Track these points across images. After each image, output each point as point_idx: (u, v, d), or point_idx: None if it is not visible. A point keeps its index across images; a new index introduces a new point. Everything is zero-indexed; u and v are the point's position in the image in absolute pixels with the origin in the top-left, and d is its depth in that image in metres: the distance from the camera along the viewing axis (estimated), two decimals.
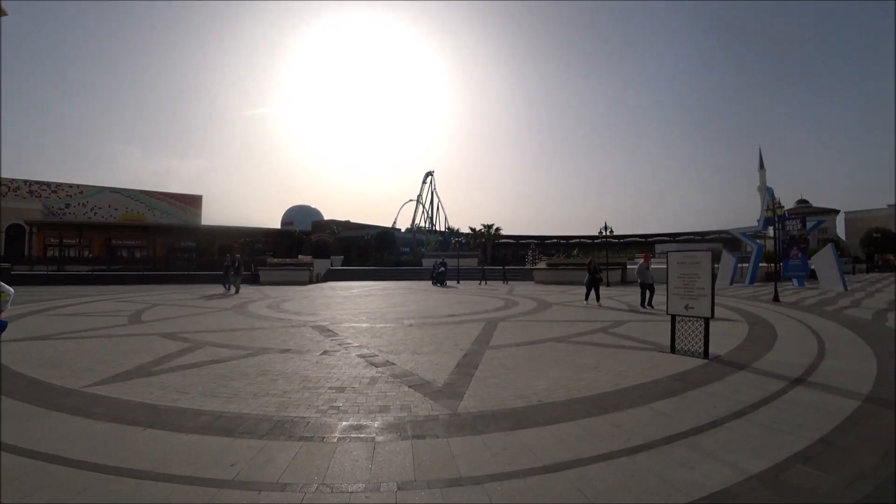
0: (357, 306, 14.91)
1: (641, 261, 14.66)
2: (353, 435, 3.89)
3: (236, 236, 56.30)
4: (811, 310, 12.64)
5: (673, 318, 7.14)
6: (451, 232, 67.17)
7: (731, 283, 24.61)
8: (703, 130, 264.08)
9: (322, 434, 3.91)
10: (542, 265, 31.78)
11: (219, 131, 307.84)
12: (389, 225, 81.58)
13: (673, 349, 7.06)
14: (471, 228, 66.73)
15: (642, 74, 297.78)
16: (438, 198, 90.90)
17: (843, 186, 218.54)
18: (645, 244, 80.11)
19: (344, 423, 4.17)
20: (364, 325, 10.52)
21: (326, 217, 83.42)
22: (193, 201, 75.97)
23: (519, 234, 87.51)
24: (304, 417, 4.29)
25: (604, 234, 26.15)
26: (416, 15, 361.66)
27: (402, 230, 77.78)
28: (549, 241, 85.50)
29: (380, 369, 6.19)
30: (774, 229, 19.72)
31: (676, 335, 7.12)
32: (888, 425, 4.03)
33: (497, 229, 65.81)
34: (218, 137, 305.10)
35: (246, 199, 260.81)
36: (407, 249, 65.63)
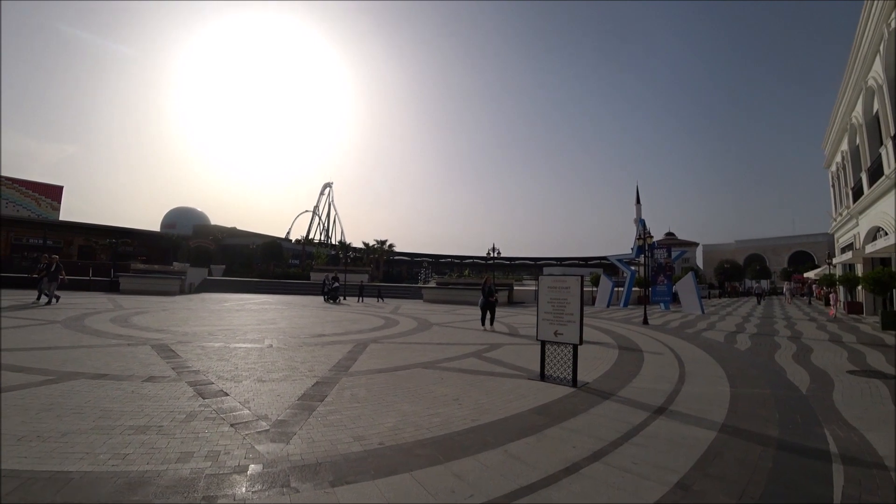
0: (221, 322, 13.51)
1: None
2: (120, 500, 2.87)
3: (100, 236, 49.05)
4: (675, 332, 13.47)
5: (543, 344, 6.84)
6: (343, 246, 65.62)
7: (608, 306, 26.55)
8: (591, 163, 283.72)
9: (76, 499, 2.86)
10: (432, 284, 32.39)
11: (95, 116, 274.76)
12: (283, 235, 78.36)
13: (542, 376, 6.73)
14: (364, 243, 65.69)
15: (541, 104, 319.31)
16: (336, 210, 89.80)
17: (702, 223, 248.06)
18: (534, 266, 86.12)
19: (119, 480, 3.11)
20: (217, 344, 9.31)
21: (214, 222, 78.41)
22: (51, 192, 67.20)
23: (414, 252, 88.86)
24: (66, 473, 3.19)
25: (492, 255, 26.95)
26: (327, 24, 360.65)
27: (294, 241, 75.07)
28: (443, 260, 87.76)
29: (206, 402, 5.10)
30: (644, 257, 21.33)
31: (546, 361, 6.82)
32: (742, 459, 3.80)
33: (391, 245, 65.35)
34: (93, 122, 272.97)
35: (122, 196, 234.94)
36: (296, 262, 63.20)
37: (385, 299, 28.63)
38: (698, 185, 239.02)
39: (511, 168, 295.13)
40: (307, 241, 74.90)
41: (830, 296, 25.08)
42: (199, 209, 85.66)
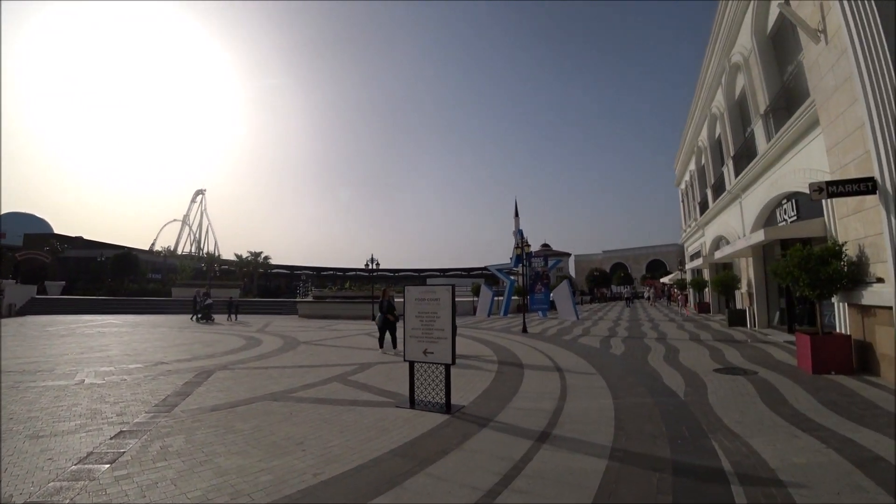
0: (32, 352, 10.86)
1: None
2: None
3: None
4: (554, 340, 13.55)
5: (411, 365, 6.02)
6: (211, 258, 60.95)
7: (489, 315, 26.83)
8: (476, 178, 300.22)
9: None
10: (308, 298, 31.05)
11: None
12: (146, 247, 69.62)
13: (412, 403, 5.91)
14: (236, 255, 60.48)
15: (425, 116, 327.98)
16: (209, 220, 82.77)
17: (574, 235, 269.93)
18: (418, 278, 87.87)
19: None
20: (6, 382, 7.28)
21: (58, 231, 66.49)
22: None
23: (294, 265, 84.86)
24: None
25: (370, 266, 26.40)
26: (205, 22, 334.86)
27: (155, 253, 67.33)
28: (325, 273, 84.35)
29: None
30: (522, 266, 21.93)
31: (416, 384, 6.01)
32: (639, 493, 3.29)
33: (266, 258, 61.45)
34: None
35: None
36: (157, 276, 56.12)
37: (236, 316, 25.19)
38: (570, 200, 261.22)
39: (397, 180, 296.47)
40: (171, 252, 66.94)
41: (680, 298, 28.58)
42: (41, 216, 71.79)
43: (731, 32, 15.19)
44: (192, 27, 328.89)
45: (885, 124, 6.35)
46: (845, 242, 7.58)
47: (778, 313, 14.11)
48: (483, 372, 8.29)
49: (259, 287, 59.38)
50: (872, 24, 6.59)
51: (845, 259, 7.46)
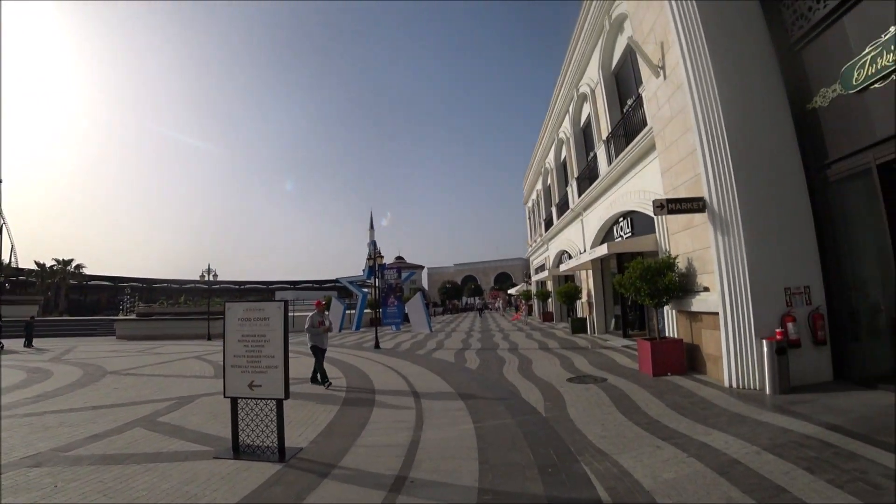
0: None
1: (314, 311, 9.23)
2: None
3: None
4: (407, 356, 13.17)
5: (234, 402, 4.94)
6: None
7: (341, 330, 25.74)
8: (329, 190, 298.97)
9: None
10: (131, 315, 27.47)
11: None
12: None
13: (236, 450, 4.80)
14: (37, 264, 49.56)
15: (278, 131, 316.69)
16: (4, 219, 68.78)
17: (427, 248, 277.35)
18: (265, 290, 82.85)
19: None
20: None
21: None
22: None
23: (120, 276, 73.10)
24: None
25: (206, 277, 23.92)
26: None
27: None
28: (158, 285, 74.36)
29: None
30: (375, 278, 21.29)
31: (242, 426, 4.93)
32: None
33: (79, 266, 51.64)
34: None
35: None
36: None
37: (30, 341, 19.98)
38: (423, 214, 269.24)
39: (244, 188, 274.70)
40: None
41: (520, 303, 31.16)
42: None
43: (581, 65, 16.69)
44: None
45: (714, 151, 7.16)
46: (677, 256, 8.44)
47: (614, 320, 15.65)
48: (327, 401, 7.30)
49: (72, 302, 49.24)
50: (705, 64, 7.42)
51: (676, 270, 8.30)
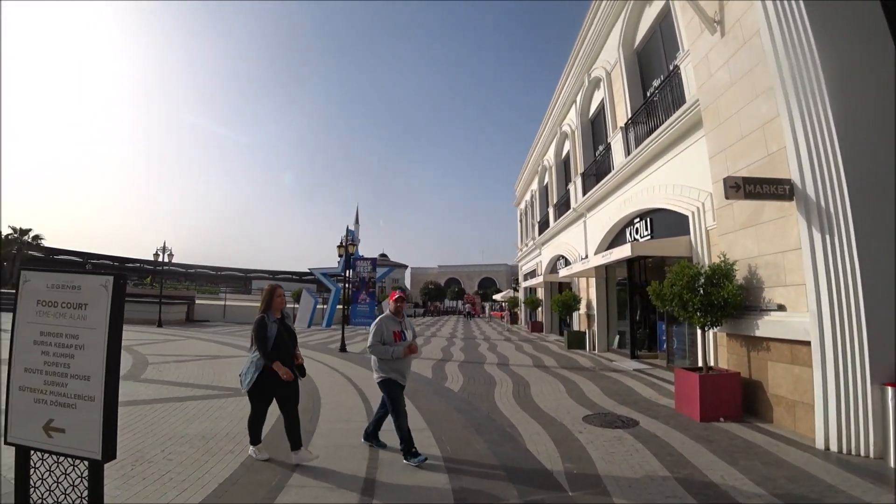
0: None
1: (390, 306, 4.81)
2: None
3: None
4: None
5: (21, 454, 2.76)
6: None
7: (310, 326, 23.51)
8: (316, 182, 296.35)
9: None
10: None
11: None
12: None
13: None
14: None
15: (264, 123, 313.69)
16: None
17: (411, 248, 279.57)
18: (243, 278, 79.01)
19: None
20: None
21: None
22: None
23: (90, 252, 68.72)
24: None
25: (161, 257, 21.20)
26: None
27: None
28: (130, 265, 68.94)
29: None
30: (346, 265, 18.62)
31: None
32: None
33: (36, 237, 47.14)
34: None
35: None
36: None
37: None
38: (412, 213, 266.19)
39: (224, 175, 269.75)
40: None
41: (506, 315, 29.57)
42: None
43: (596, 46, 14.73)
44: None
45: (808, 117, 5.15)
46: (735, 262, 6.39)
47: (617, 337, 13.64)
48: (235, 442, 4.92)
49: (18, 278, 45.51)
50: (794, 10, 5.43)
51: (733, 281, 6.25)
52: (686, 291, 6.03)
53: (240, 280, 78.21)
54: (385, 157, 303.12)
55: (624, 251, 9.56)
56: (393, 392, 4.46)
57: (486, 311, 50.53)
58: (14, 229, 45.81)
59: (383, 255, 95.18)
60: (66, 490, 2.69)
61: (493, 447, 4.79)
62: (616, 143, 12.63)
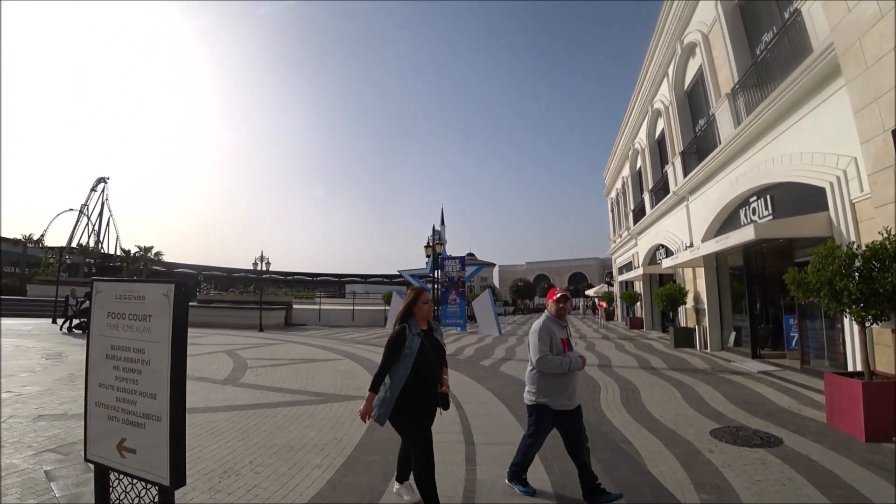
0: None
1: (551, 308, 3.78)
2: None
3: None
4: (467, 367, 10.41)
5: (100, 473, 2.68)
6: (85, 250, 52.85)
7: None
8: (402, 188, 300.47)
9: None
10: (192, 302, 27.63)
11: None
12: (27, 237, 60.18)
13: None
14: (122, 250, 53.65)
15: (354, 117, 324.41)
16: (111, 211, 73.99)
17: (499, 246, 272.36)
18: (337, 283, 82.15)
19: None
20: None
21: None
22: None
23: (203, 265, 77.24)
24: None
25: (259, 266, 22.24)
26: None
27: (14, 242, 56.13)
28: (237, 275, 76.96)
29: None
30: (434, 265, 17.91)
31: None
32: None
33: (158, 253, 54.14)
34: None
35: None
36: (14, 270, 47.37)
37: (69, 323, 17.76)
38: (495, 211, 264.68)
39: (329, 185, 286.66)
40: (33, 242, 57.04)
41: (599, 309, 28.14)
42: None
43: (688, 8, 13.18)
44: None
45: None
46: None
47: (733, 333, 11.99)
48: (323, 454, 4.73)
49: None
50: None
51: None
52: (838, 278, 4.83)
53: (334, 285, 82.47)
54: (467, 154, 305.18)
55: (744, 234, 8.22)
56: (542, 418, 3.55)
57: (581, 308, 47.81)
58: (139, 247, 53.02)
59: (470, 255, 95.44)
60: None
61: (608, 469, 4.07)
62: (721, 113, 11.08)
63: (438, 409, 3.29)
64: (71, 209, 69.04)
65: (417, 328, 3.26)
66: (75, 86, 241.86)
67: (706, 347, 12.53)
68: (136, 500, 2.57)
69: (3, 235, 50.84)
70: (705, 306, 12.78)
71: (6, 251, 49.87)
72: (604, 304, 30.02)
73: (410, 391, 3.08)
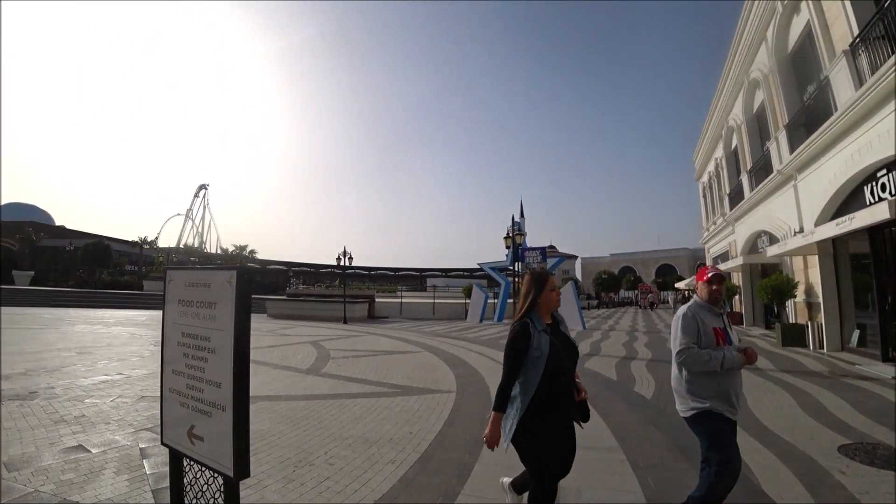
0: None
1: (702, 290, 2.99)
2: None
3: None
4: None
5: (175, 458, 2.60)
6: (189, 251, 59.19)
7: (482, 321, 22.96)
8: (485, 179, 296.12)
9: None
10: (281, 296, 28.52)
11: None
12: (149, 240, 68.10)
13: None
14: (221, 249, 59.77)
15: (432, 122, 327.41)
16: (211, 215, 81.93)
17: (581, 239, 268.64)
18: (418, 277, 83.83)
19: None
20: None
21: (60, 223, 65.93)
22: None
23: (293, 261, 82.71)
24: None
25: (342, 261, 23.19)
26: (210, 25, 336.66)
27: (132, 244, 62.30)
28: (323, 270, 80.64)
29: None
30: (514, 257, 17.13)
31: None
32: None
33: (252, 251, 59.25)
34: None
35: None
36: (133, 269, 53.59)
37: None
38: (577, 203, 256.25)
39: (404, 183, 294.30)
40: (149, 244, 64.02)
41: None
42: (43, 208, 70.66)
43: None
44: (197, 24, 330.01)
45: None
46: None
47: (857, 332, 10.32)
48: (397, 449, 4.49)
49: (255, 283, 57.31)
50: None
51: None
52: None
53: (415, 279, 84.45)
54: (549, 145, 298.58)
55: (876, 213, 6.97)
56: (717, 429, 2.67)
57: (671, 302, 44.81)
58: (236, 246, 58.58)
59: (551, 247, 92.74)
60: (208, 501, 2.50)
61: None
62: (838, 74, 9.53)
63: (576, 423, 2.67)
64: (178, 214, 77.55)
65: (542, 323, 2.58)
66: (188, 104, 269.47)
67: (821, 347, 10.94)
68: (205, 487, 2.55)
69: (124, 238, 58.35)
70: (820, 300, 11.15)
71: (126, 252, 56.71)
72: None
73: (543, 404, 2.42)
